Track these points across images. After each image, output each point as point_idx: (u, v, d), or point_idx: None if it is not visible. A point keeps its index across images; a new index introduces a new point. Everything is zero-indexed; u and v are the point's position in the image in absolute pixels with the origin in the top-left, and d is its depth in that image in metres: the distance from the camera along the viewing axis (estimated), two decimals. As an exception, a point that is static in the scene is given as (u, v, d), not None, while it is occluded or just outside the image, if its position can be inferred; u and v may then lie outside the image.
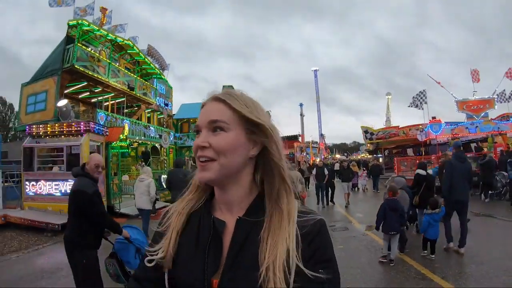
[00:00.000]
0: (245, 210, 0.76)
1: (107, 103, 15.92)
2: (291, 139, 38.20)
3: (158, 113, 19.57)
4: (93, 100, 16.42)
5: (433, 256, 5.10)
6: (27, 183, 9.05)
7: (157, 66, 17.74)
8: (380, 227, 5.15)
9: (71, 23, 13.13)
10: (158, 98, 18.03)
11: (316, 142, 61.69)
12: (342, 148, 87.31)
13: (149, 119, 18.98)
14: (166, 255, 0.76)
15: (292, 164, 12.55)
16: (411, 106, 18.71)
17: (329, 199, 11.70)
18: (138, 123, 15.66)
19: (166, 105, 18.82)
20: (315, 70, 72.69)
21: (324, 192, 11.52)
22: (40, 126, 9.31)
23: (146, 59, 16.83)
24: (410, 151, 22.54)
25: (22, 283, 4.96)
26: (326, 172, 11.26)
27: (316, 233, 0.72)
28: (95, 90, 14.85)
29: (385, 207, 5.08)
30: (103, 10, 14.25)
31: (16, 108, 20.69)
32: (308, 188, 15.55)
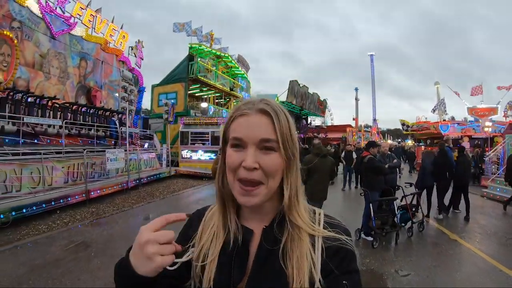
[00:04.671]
0: (270, 221, 0.74)
1: (209, 97, 22.22)
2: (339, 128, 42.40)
3: (241, 103, 26.25)
4: (196, 95, 22.71)
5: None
6: (182, 152, 15.29)
7: (243, 69, 23.55)
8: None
9: (190, 45, 19.20)
10: (242, 92, 23.96)
11: (370, 126, 63.06)
12: (395, 133, 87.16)
13: (234, 108, 25.79)
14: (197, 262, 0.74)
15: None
16: (434, 112, 22.52)
17: (358, 183, 11.83)
18: (232, 112, 22.54)
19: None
20: (371, 55, 72.82)
21: (350, 176, 11.80)
22: (191, 118, 15.43)
23: (236, 64, 22.67)
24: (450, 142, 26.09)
25: (201, 202, 10.17)
26: (354, 156, 11.65)
27: (341, 245, 0.70)
28: (203, 89, 21.02)
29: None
30: (211, 35, 20.13)
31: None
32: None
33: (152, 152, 14.19)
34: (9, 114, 8.84)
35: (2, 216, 5.93)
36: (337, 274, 0.67)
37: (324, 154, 5.09)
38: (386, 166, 5.46)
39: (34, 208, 6.73)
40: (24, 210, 6.48)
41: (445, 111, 22.57)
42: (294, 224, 0.71)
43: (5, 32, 6.11)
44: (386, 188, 5.50)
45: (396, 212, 5.45)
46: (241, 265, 0.72)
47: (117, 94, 10.90)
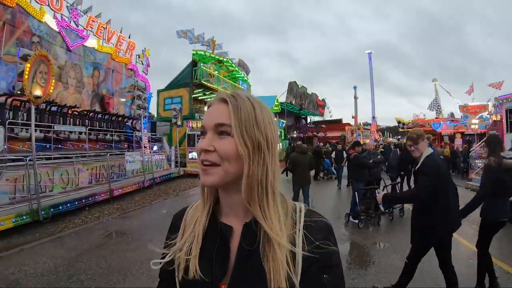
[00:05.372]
0: (252, 217, 0.71)
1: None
2: (335, 122, 43.43)
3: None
4: (200, 98, 23.75)
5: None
6: (189, 154, 16.34)
7: (244, 72, 24.65)
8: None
9: (194, 52, 20.22)
10: (243, 95, 25.34)
11: (369, 124, 63.61)
12: (394, 131, 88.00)
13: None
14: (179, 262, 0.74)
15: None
16: (430, 109, 23.65)
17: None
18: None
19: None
20: (369, 53, 73.67)
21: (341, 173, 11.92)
22: (197, 121, 16.47)
23: (237, 68, 23.75)
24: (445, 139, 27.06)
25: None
26: (344, 155, 11.73)
27: (322, 239, 0.69)
28: (206, 93, 22.07)
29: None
30: (213, 41, 21.11)
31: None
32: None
33: (162, 154, 15.24)
34: (36, 123, 9.87)
35: (43, 212, 6.95)
36: (317, 266, 0.67)
37: (304, 151, 6.80)
38: (371, 161, 6.57)
39: (68, 205, 7.76)
40: (60, 207, 7.50)
41: (439, 109, 23.70)
42: (271, 216, 0.69)
43: (42, 53, 7.11)
44: (370, 180, 6.61)
45: (379, 200, 6.54)
46: (222, 263, 0.71)
47: (123, 99, 11.89)
